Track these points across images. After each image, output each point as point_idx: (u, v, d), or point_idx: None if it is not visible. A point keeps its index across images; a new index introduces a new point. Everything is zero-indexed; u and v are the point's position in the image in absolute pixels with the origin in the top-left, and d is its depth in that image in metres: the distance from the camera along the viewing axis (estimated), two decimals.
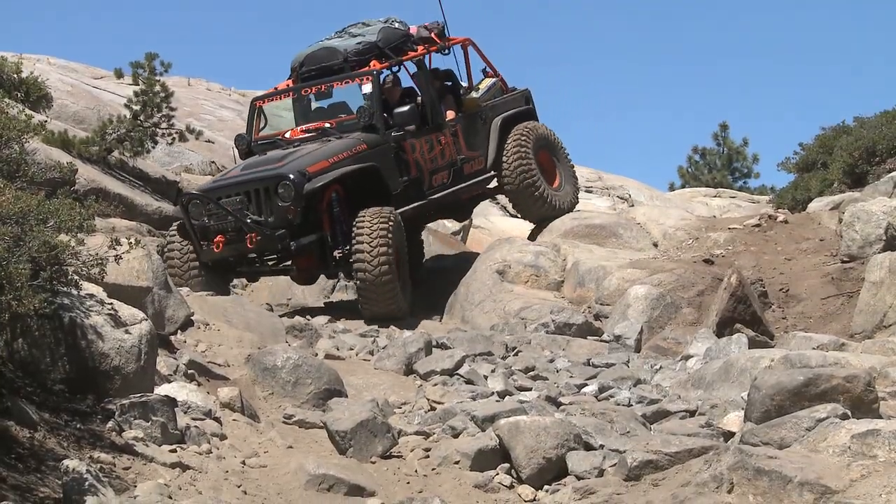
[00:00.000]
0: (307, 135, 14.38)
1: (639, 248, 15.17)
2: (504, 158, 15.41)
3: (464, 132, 15.27)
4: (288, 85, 15.08)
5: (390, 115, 14.33)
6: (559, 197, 15.83)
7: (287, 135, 14.51)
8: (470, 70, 15.89)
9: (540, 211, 15.66)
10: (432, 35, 15.41)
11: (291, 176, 13.21)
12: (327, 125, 14.41)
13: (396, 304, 13.16)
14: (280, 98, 15.02)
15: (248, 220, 13.15)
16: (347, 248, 13.26)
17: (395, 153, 14.27)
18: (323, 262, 13.81)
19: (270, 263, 14.12)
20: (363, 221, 13.20)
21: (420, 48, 15.27)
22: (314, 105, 14.98)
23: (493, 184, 15.84)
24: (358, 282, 13.12)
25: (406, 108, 14.41)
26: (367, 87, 14.39)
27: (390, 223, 13.26)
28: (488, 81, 15.87)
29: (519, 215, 16.52)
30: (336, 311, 14.19)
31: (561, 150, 16.32)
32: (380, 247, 13.03)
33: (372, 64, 14.63)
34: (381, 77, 14.70)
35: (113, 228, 13.59)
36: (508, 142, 15.46)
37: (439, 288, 15.15)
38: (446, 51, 15.54)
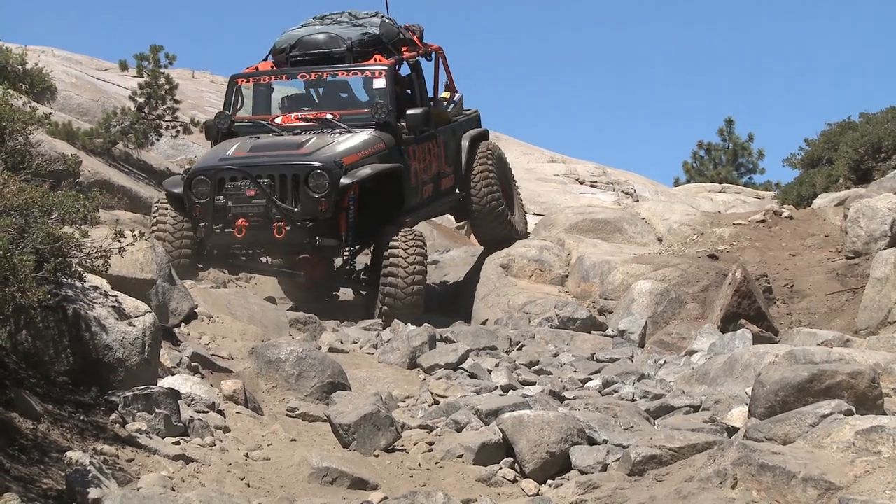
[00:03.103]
0: (306, 123, 13.51)
1: (643, 243, 15.16)
2: (472, 179, 14.55)
3: (444, 145, 14.44)
4: (272, 67, 14.20)
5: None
6: (516, 221, 15.02)
7: (278, 120, 13.63)
8: (438, 79, 15.09)
9: (501, 233, 14.73)
10: (415, 38, 14.73)
11: (326, 165, 12.46)
12: (329, 116, 13.53)
13: (417, 319, 12.44)
14: (270, 79, 14.10)
15: (283, 207, 12.32)
16: (352, 260, 12.83)
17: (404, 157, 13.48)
18: (333, 272, 13.22)
19: (273, 262, 13.37)
20: (398, 243, 12.57)
21: (404, 49, 14.46)
22: (280, 92, 14.20)
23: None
24: (385, 306, 12.51)
25: (420, 110, 13.65)
26: (381, 82, 13.60)
27: (424, 245, 12.75)
28: (457, 95, 15.13)
29: (476, 237, 15.32)
30: (341, 307, 14.16)
31: (512, 175, 15.54)
32: (416, 273, 12.53)
33: (376, 58, 13.87)
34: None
35: (117, 220, 13.48)
36: (476, 161, 14.60)
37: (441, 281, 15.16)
38: (429, 56, 14.82)
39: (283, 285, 14.57)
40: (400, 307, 12.50)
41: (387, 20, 14.50)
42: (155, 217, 13.04)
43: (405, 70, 14.40)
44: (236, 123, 13.68)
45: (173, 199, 13.01)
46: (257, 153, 12.87)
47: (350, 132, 13.23)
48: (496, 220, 14.63)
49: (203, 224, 12.68)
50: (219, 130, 13.66)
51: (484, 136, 15.16)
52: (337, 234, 12.65)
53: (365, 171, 12.70)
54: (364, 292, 13.40)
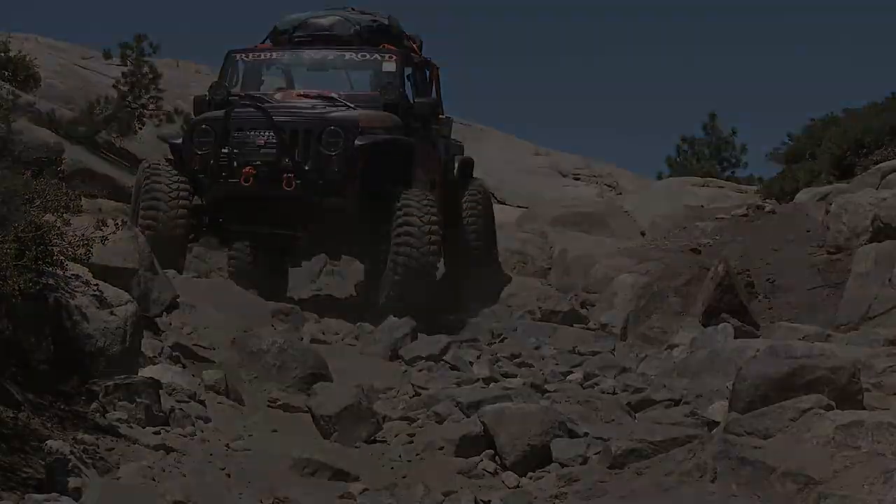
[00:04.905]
0: (308, 100, 12.75)
1: (626, 236, 15.21)
2: (462, 213, 13.55)
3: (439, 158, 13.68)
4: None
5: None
6: (494, 274, 13.82)
7: (278, 96, 12.93)
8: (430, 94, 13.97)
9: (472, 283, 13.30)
10: (414, 46, 14.15)
11: (343, 123, 11.97)
12: (334, 94, 12.80)
13: (430, 294, 11.96)
14: (269, 56, 13.46)
15: (296, 159, 11.73)
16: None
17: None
18: (333, 236, 12.43)
19: (271, 224, 12.43)
20: (409, 202, 11.91)
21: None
22: (267, 76, 13.52)
23: None
24: (400, 267, 11.79)
25: (429, 99, 13.22)
26: (391, 66, 13.08)
27: (437, 206, 12.09)
28: (449, 116, 14.36)
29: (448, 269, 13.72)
30: (323, 298, 14.14)
31: (494, 220, 14.43)
32: (431, 233, 11.84)
33: (385, 47, 13.33)
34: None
35: (99, 209, 13.43)
36: (467, 194, 13.73)
37: None
38: (427, 68, 14.08)
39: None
40: (415, 266, 11.82)
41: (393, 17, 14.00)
42: (147, 185, 12.23)
43: (408, 70, 13.71)
44: (230, 98, 12.84)
45: (170, 156, 12.40)
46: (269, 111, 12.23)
47: (358, 108, 12.60)
48: (469, 268, 13.55)
49: (204, 176, 12.17)
50: (212, 102, 12.88)
51: (472, 164, 14.47)
52: (343, 199, 12.08)
53: (381, 136, 12.21)
54: (367, 259, 12.89)
